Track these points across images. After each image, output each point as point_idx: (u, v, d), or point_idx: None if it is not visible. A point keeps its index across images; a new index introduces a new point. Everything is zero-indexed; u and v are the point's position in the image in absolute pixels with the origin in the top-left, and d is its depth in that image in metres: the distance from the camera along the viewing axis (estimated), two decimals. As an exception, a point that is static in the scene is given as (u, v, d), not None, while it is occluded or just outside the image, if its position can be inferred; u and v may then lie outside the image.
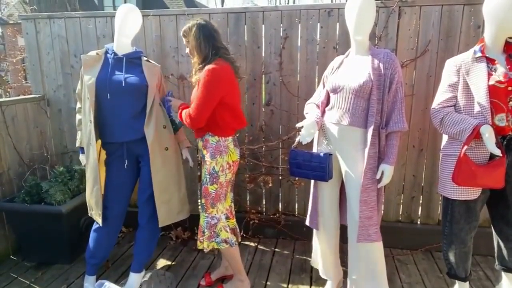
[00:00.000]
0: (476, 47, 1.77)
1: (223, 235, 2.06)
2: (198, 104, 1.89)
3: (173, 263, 2.56)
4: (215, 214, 2.05)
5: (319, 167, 1.89)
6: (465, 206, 1.82)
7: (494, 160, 1.70)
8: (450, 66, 1.84)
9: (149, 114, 2.02)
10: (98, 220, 2.09)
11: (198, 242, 2.10)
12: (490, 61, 1.73)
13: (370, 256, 1.90)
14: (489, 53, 1.74)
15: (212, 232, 2.04)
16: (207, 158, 2.00)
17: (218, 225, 2.05)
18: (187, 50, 2.01)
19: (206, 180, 2.02)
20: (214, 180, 2.01)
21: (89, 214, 2.18)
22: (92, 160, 2.03)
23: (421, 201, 2.66)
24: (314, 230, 2.17)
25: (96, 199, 2.06)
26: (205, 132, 2.00)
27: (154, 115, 2.04)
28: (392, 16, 2.41)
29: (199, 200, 2.94)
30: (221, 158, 1.99)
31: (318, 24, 2.52)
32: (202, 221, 2.06)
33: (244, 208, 2.86)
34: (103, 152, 2.18)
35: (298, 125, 1.94)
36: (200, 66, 1.94)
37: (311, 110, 2.04)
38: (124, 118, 2.01)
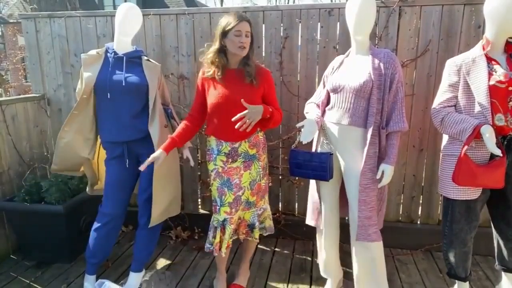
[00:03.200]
0: (480, 44, 1.78)
1: (267, 223, 2.17)
2: (277, 103, 2.03)
3: (173, 262, 2.56)
4: (263, 205, 2.12)
5: (320, 167, 1.89)
6: (465, 206, 1.82)
7: (494, 160, 1.70)
8: (451, 66, 1.84)
9: (152, 113, 2.02)
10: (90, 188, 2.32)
11: (250, 239, 2.15)
12: (490, 61, 1.73)
13: (370, 255, 1.90)
14: (490, 53, 1.74)
15: (258, 222, 2.11)
16: (260, 153, 2.02)
17: (265, 213, 2.15)
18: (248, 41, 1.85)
19: (260, 176, 2.04)
20: (265, 172, 2.09)
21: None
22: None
23: (421, 201, 2.66)
24: (317, 230, 2.17)
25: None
26: (255, 129, 1.97)
27: (157, 115, 2.04)
28: (392, 16, 2.41)
29: (199, 199, 2.94)
30: (266, 150, 2.09)
31: (319, 23, 2.52)
32: (249, 217, 2.10)
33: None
34: (103, 152, 2.18)
35: (299, 124, 1.93)
36: (247, 61, 1.89)
37: (311, 109, 2.04)
38: (125, 117, 2.01)
